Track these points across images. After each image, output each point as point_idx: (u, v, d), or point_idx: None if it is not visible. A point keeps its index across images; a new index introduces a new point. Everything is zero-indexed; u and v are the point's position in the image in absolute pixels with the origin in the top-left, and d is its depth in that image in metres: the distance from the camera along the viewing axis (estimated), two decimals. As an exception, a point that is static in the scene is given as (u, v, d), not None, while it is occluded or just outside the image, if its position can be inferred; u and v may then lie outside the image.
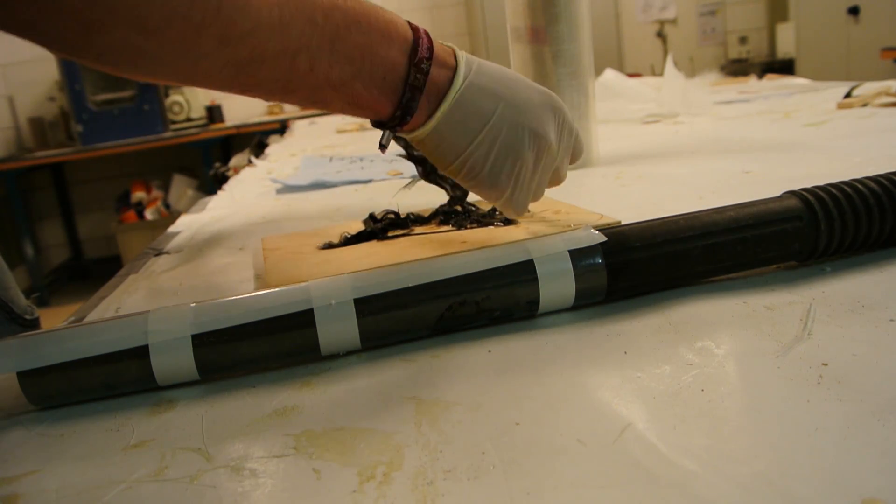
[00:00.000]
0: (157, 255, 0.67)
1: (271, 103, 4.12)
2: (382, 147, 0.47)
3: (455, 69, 0.43)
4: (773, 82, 1.66)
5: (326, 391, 0.34)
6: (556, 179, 0.50)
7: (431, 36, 0.44)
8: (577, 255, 0.38)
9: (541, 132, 0.45)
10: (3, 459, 0.31)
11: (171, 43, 0.35)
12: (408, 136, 0.45)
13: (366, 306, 0.36)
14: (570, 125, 0.48)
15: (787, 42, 4.31)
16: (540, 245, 0.39)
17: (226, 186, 1.10)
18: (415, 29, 0.43)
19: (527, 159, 0.45)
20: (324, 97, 0.42)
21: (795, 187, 0.43)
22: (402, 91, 0.42)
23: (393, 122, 0.44)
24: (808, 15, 3.98)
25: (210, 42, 0.35)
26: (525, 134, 0.45)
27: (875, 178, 0.42)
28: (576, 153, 0.50)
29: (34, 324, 0.65)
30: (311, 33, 0.38)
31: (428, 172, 0.55)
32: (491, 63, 0.46)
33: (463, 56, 0.44)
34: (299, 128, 2.09)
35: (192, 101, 3.77)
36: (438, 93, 0.43)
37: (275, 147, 1.63)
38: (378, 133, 0.47)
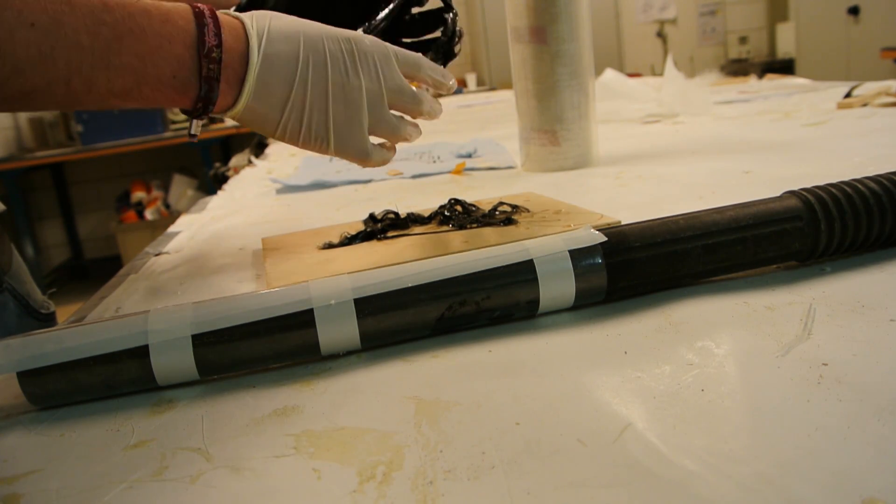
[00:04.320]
0: (157, 255, 0.67)
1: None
2: (192, 136, 0.47)
3: (248, 44, 0.43)
4: (773, 82, 1.66)
5: (326, 391, 0.34)
6: (412, 110, 0.50)
7: (218, 13, 0.43)
8: (578, 255, 0.38)
9: (341, 80, 0.45)
10: (3, 459, 0.31)
11: None
12: (222, 116, 0.45)
13: (366, 306, 0.36)
14: (372, 59, 0.46)
15: (787, 42, 4.31)
16: (540, 245, 0.39)
17: (226, 186, 1.10)
18: (199, 14, 0.42)
19: (337, 110, 0.46)
20: (114, 104, 0.42)
21: (795, 187, 0.43)
22: (198, 84, 0.42)
23: (197, 112, 0.44)
24: (808, 15, 3.98)
25: None
26: (328, 87, 0.45)
27: (875, 178, 0.42)
28: (415, 72, 0.49)
29: (50, 318, 0.65)
30: (80, 57, 0.38)
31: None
32: (280, 17, 0.45)
33: (252, 25, 0.44)
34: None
35: (192, 100, 3.77)
36: (237, 74, 0.43)
37: (275, 147, 1.63)
38: None
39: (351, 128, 0.47)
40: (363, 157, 0.49)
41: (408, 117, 0.50)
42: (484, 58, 4.18)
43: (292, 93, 0.44)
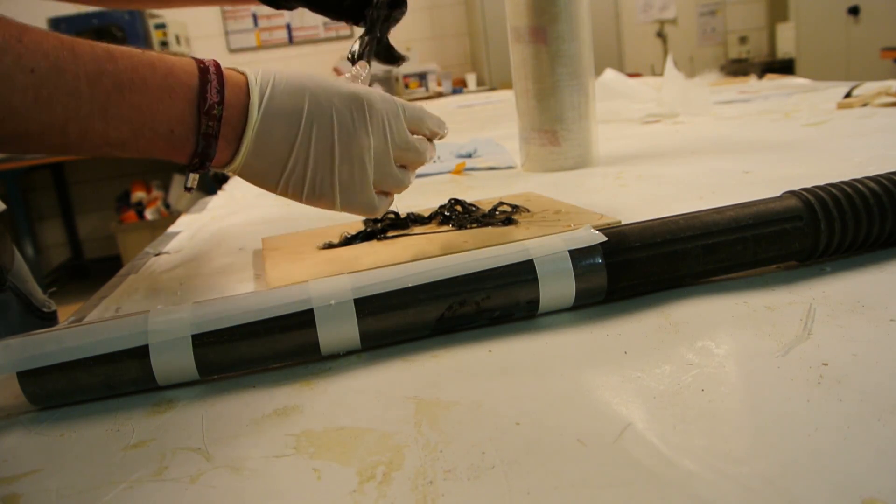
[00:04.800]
0: (157, 255, 0.67)
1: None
2: (188, 190, 0.46)
3: (249, 100, 0.42)
4: (773, 82, 1.66)
5: (326, 391, 0.34)
6: (415, 162, 0.49)
7: (224, 69, 0.42)
8: (578, 255, 0.38)
9: (348, 139, 0.44)
10: (3, 459, 0.31)
11: None
12: (221, 171, 0.45)
13: (366, 306, 0.36)
14: (381, 116, 0.46)
15: (787, 42, 4.31)
16: (540, 245, 0.39)
17: (226, 186, 1.10)
18: (203, 70, 0.42)
19: (342, 169, 0.45)
20: (108, 154, 0.41)
21: (795, 187, 0.43)
22: (195, 141, 0.41)
23: (193, 168, 0.43)
24: (808, 15, 3.98)
25: None
26: (334, 145, 0.44)
27: (875, 178, 0.42)
28: (418, 126, 0.48)
29: (52, 317, 0.65)
30: (77, 105, 0.38)
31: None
32: (288, 74, 0.44)
33: (256, 81, 0.43)
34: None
35: (192, 100, 3.76)
36: (235, 131, 0.42)
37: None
38: None
39: (357, 185, 0.46)
40: (371, 211, 0.48)
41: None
42: (484, 58, 4.18)
43: (294, 150, 0.43)
